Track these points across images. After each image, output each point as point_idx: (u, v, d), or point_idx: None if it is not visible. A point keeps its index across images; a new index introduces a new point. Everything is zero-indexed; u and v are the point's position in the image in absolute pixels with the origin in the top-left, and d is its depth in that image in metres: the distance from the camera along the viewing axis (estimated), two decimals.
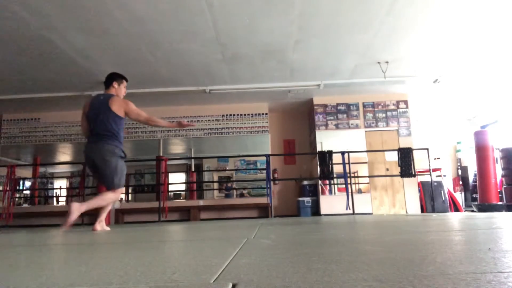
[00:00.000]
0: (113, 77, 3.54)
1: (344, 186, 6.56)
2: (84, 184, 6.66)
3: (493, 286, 0.69)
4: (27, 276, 1.02)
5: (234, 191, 8.69)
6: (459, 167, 9.93)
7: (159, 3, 4.29)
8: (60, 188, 9.86)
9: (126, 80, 3.64)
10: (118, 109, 3.34)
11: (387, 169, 7.62)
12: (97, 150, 3.29)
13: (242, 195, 8.37)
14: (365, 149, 7.67)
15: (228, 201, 7.92)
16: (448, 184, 8.89)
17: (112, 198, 3.39)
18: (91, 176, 3.61)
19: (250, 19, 4.74)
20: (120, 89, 3.54)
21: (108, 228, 3.48)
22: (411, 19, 4.87)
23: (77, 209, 3.06)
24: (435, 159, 8.92)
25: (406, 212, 7.50)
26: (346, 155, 6.34)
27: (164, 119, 3.75)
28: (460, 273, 0.83)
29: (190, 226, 3.97)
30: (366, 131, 7.90)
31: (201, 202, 7.61)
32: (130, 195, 9.10)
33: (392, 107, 7.98)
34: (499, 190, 7.58)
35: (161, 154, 7.90)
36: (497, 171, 7.60)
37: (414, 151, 6.52)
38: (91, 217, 6.49)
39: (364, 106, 8.01)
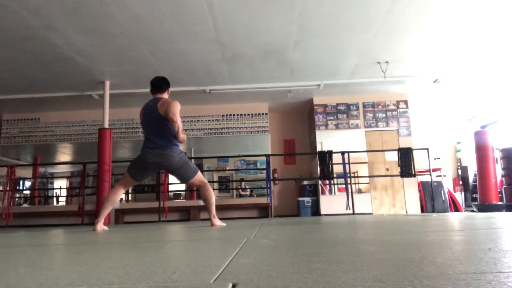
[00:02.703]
0: (167, 83, 3.57)
1: (344, 186, 6.57)
2: (84, 184, 6.66)
3: (493, 286, 0.69)
4: (27, 276, 1.02)
5: (234, 191, 8.70)
6: (459, 167, 9.94)
7: (159, 3, 4.29)
8: (60, 188, 9.87)
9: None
10: (162, 110, 3.33)
11: (387, 169, 7.62)
12: (168, 157, 3.33)
13: (249, 196, 8.39)
14: (365, 149, 7.67)
15: (228, 201, 7.91)
16: (448, 184, 8.90)
17: (207, 188, 3.51)
18: (138, 177, 3.53)
19: (250, 19, 4.74)
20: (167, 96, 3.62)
21: (106, 228, 3.49)
22: (411, 19, 4.87)
23: (218, 222, 3.51)
24: (435, 159, 8.93)
25: (406, 212, 7.50)
26: (346, 155, 6.34)
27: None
28: (460, 273, 0.83)
29: (190, 226, 3.97)
30: (366, 131, 7.90)
31: (201, 202, 7.58)
32: (130, 195, 9.11)
33: (392, 107, 7.98)
34: (499, 190, 7.58)
35: None
36: (497, 171, 7.60)
37: (414, 151, 6.52)
38: (91, 217, 6.50)
39: (364, 106, 8.01)
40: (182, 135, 3.29)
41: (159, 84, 3.53)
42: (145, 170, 3.48)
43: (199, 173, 3.49)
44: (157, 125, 3.34)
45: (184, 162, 3.39)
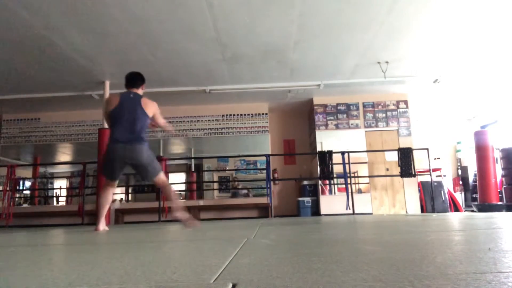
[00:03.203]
0: (144, 79, 3.62)
1: (344, 186, 6.56)
2: (84, 184, 6.66)
3: (493, 286, 0.69)
4: (27, 276, 1.02)
5: (239, 191, 8.69)
6: (459, 167, 9.94)
7: (159, 3, 4.29)
8: (60, 188, 9.85)
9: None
10: (150, 111, 3.47)
11: (387, 169, 7.62)
12: (139, 152, 3.35)
13: (246, 195, 8.37)
14: (365, 149, 7.67)
15: (228, 201, 7.91)
16: (448, 184, 8.89)
17: (168, 184, 3.59)
18: (110, 171, 3.52)
19: (250, 19, 4.74)
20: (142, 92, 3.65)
21: (107, 228, 3.49)
22: (411, 19, 4.87)
23: (183, 215, 3.43)
24: (435, 159, 8.92)
25: (406, 212, 7.50)
26: (346, 155, 6.34)
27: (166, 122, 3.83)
28: (460, 273, 0.83)
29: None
30: (366, 131, 7.90)
31: (201, 202, 7.61)
32: (130, 195, 9.10)
33: (392, 107, 7.98)
34: (499, 190, 7.57)
35: (161, 154, 7.91)
36: (497, 171, 7.60)
37: (414, 151, 6.52)
38: (91, 217, 6.49)
39: (364, 106, 8.01)
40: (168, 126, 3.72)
41: (134, 79, 3.55)
42: (115, 164, 3.37)
43: (163, 172, 3.56)
44: (137, 120, 3.34)
45: (151, 159, 3.43)
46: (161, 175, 3.49)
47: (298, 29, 5.05)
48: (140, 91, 3.55)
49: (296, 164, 8.88)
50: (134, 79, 3.55)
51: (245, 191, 8.46)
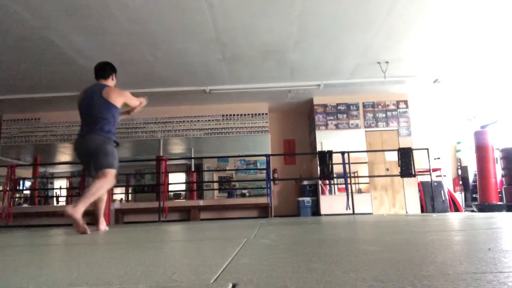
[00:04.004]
0: (113, 69, 3.42)
1: (344, 186, 6.56)
2: (84, 184, 6.66)
3: (493, 286, 0.69)
4: (27, 276, 1.02)
5: (235, 191, 8.69)
6: (459, 167, 9.94)
7: (159, 3, 4.29)
8: (60, 188, 9.86)
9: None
10: (116, 100, 3.17)
11: (387, 169, 7.61)
12: (92, 142, 3.08)
13: (243, 195, 8.37)
14: (365, 149, 7.67)
15: (228, 201, 7.91)
16: (448, 184, 8.89)
17: (104, 184, 3.05)
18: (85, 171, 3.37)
19: (250, 19, 4.74)
20: (114, 82, 3.43)
21: (107, 228, 3.49)
22: (411, 19, 4.87)
23: (74, 212, 2.85)
24: (435, 159, 8.92)
25: (406, 212, 7.50)
26: (346, 155, 6.33)
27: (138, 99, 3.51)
28: (460, 273, 0.83)
29: (190, 226, 3.97)
30: (366, 131, 7.90)
31: (201, 202, 7.61)
32: (130, 195, 9.11)
33: (392, 107, 7.98)
34: (499, 190, 7.58)
35: (161, 154, 7.91)
36: (497, 171, 7.60)
37: (414, 151, 6.52)
38: (90, 217, 6.49)
39: (364, 106, 8.01)
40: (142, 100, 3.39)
41: (102, 69, 3.32)
42: (81, 158, 3.23)
43: (112, 172, 3.09)
44: (93, 110, 3.09)
45: (106, 152, 3.06)
46: (109, 172, 3.03)
47: (298, 29, 5.05)
48: (110, 82, 3.31)
49: (296, 164, 8.88)
50: (102, 69, 3.31)
51: (242, 191, 8.46)
